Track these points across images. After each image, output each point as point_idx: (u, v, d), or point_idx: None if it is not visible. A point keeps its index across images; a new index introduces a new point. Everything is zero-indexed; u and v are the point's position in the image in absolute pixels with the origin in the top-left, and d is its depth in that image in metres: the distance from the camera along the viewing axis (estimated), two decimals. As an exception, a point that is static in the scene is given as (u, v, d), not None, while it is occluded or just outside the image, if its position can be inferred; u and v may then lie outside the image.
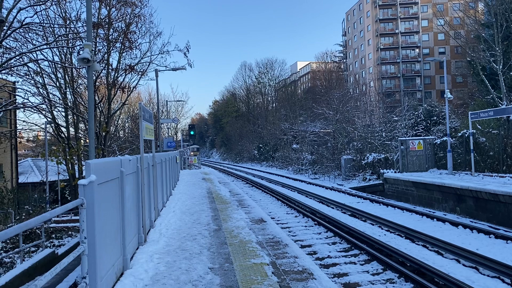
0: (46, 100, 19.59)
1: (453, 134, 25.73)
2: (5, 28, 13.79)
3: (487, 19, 32.91)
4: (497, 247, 10.94)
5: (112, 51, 20.58)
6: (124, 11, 20.48)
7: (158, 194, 11.20)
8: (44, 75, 19.84)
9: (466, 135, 22.79)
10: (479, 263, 9.22)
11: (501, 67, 27.87)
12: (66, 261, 3.97)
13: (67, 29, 17.72)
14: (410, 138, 26.52)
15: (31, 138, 40.54)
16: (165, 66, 23.29)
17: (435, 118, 34.40)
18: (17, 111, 26.12)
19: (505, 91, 27.85)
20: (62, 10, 18.57)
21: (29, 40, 16.62)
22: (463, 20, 35.93)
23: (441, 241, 10.93)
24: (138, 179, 7.79)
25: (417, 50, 70.51)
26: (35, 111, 19.04)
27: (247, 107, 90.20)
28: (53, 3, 17.38)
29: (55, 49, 18.84)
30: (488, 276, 8.71)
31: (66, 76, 20.30)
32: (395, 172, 24.51)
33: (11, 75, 17.21)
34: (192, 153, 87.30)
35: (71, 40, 17.89)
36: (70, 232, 16.28)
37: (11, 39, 15.34)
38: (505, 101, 27.47)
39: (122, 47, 20.59)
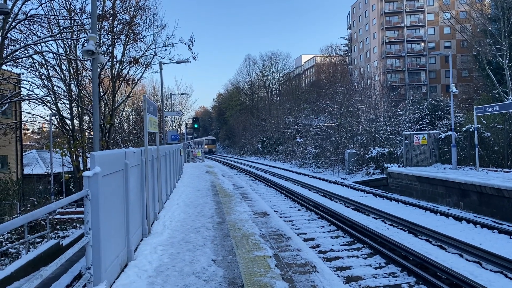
0: (50, 92, 19.63)
1: (458, 128, 25.59)
2: (10, 19, 13.81)
3: (493, 13, 32.58)
4: (501, 242, 10.93)
5: (116, 44, 20.50)
6: (128, 3, 20.37)
7: (162, 186, 11.25)
8: (48, 67, 19.84)
9: (471, 129, 22.66)
10: (482, 258, 9.22)
11: (507, 61, 27.63)
12: (70, 252, 4.01)
13: (72, 21, 17.69)
14: (414, 132, 26.41)
15: (36, 130, 40.84)
16: (170, 59, 23.13)
17: (440, 112, 34.21)
18: (22, 103, 26.23)
19: (511, 85, 27.63)
20: (67, 2, 18.51)
21: (34, 32, 16.63)
22: (469, 13, 35.60)
23: (444, 235, 10.93)
24: (142, 172, 7.82)
25: (422, 44, 70.00)
26: (40, 103, 19.09)
27: (251, 101, 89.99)
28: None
29: (60, 41, 18.85)
30: (491, 271, 8.71)
31: (71, 68, 20.30)
32: (399, 166, 24.45)
33: (16, 67, 17.26)
34: (206, 146, 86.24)
35: (75, 32, 17.84)
36: (74, 224, 16.41)
37: (16, 31, 15.36)
38: (510, 96, 27.26)
39: (127, 39, 20.52)
